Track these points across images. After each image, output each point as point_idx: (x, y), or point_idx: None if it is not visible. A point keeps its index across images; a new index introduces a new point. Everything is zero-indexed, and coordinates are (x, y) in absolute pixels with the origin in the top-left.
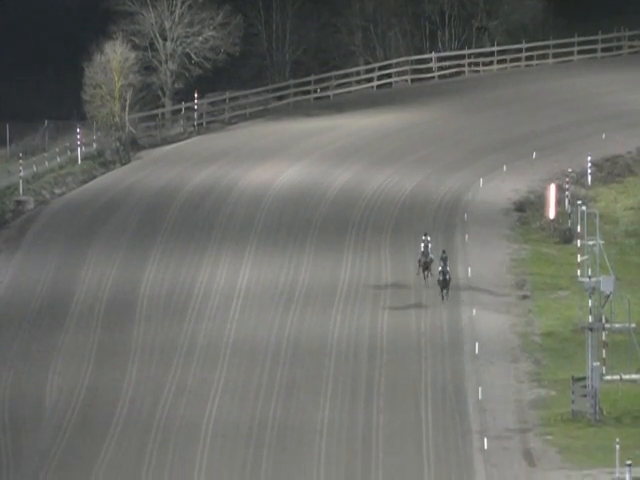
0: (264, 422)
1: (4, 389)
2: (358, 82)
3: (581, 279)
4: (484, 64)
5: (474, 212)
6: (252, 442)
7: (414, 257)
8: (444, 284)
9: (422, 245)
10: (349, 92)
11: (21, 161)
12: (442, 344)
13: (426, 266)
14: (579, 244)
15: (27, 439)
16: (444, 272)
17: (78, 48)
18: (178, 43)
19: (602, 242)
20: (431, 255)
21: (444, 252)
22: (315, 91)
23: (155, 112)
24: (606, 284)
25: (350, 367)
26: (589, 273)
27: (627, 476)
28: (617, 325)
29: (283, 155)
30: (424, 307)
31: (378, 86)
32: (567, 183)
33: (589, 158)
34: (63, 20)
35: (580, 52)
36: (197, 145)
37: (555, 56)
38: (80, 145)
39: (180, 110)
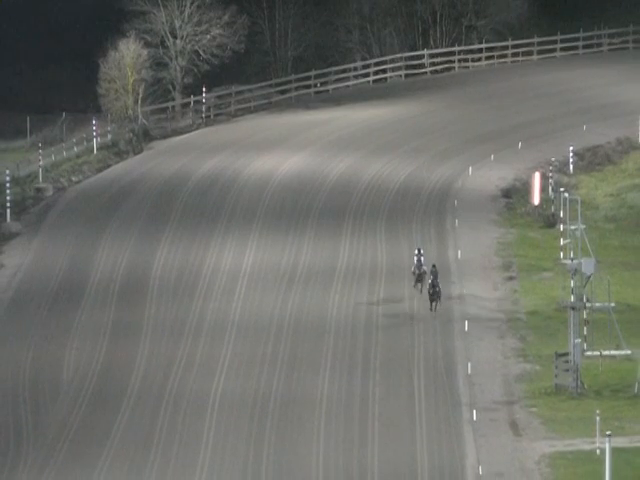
0: (267, 394)
1: (24, 365)
2: (355, 77)
3: (564, 261)
4: (473, 60)
5: (464, 198)
6: (256, 413)
7: (408, 241)
8: (434, 296)
9: (415, 259)
10: (347, 86)
11: (40, 151)
12: (433, 322)
13: (419, 278)
14: (562, 228)
15: (45, 412)
16: (434, 285)
17: (94, 45)
18: (187, 41)
19: (583, 227)
20: (424, 267)
21: (434, 266)
22: (315, 85)
23: (166, 105)
24: (587, 266)
25: (348, 343)
26: (571, 255)
27: (607, 446)
28: (597, 304)
29: (285, 146)
30: (417, 288)
31: (374, 81)
32: (550, 171)
33: (571, 148)
34: (79, 19)
35: (562, 49)
36: (205, 136)
37: (539, 53)
38: (96, 136)
39: (189, 103)
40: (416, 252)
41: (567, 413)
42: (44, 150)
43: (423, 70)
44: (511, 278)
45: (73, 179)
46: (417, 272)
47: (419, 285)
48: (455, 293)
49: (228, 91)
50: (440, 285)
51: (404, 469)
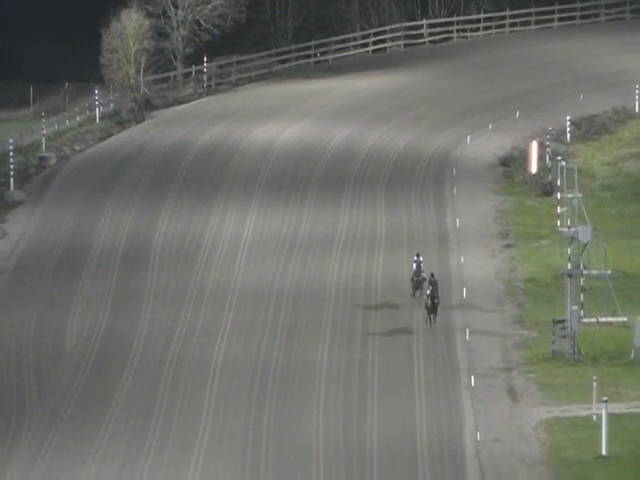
0: (268, 361)
1: (28, 331)
2: (355, 47)
3: (561, 229)
4: (471, 30)
5: (462, 167)
6: (257, 379)
7: (407, 210)
8: (432, 309)
9: (414, 265)
10: (346, 56)
11: (44, 120)
12: None
13: (418, 285)
14: (559, 197)
15: (49, 377)
16: (432, 297)
17: (96, 15)
18: (189, 11)
19: (580, 195)
20: (423, 274)
21: (433, 276)
22: (315, 55)
23: (167, 75)
24: (584, 234)
25: (347, 310)
26: (568, 223)
27: (603, 412)
28: (594, 271)
29: (285, 115)
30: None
31: (373, 51)
32: (548, 140)
33: (568, 117)
34: None
35: (560, 19)
36: (206, 105)
37: (537, 23)
38: (98, 105)
39: (190, 73)
40: (415, 258)
41: (564, 379)
42: (47, 119)
43: (422, 40)
44: (509, 246)
45: (76, 148)
46: (415, 279)
47: (418, 293)
48: (454, 260)
49: (229, 61)
50: (439, 297)
51: (403, 434)
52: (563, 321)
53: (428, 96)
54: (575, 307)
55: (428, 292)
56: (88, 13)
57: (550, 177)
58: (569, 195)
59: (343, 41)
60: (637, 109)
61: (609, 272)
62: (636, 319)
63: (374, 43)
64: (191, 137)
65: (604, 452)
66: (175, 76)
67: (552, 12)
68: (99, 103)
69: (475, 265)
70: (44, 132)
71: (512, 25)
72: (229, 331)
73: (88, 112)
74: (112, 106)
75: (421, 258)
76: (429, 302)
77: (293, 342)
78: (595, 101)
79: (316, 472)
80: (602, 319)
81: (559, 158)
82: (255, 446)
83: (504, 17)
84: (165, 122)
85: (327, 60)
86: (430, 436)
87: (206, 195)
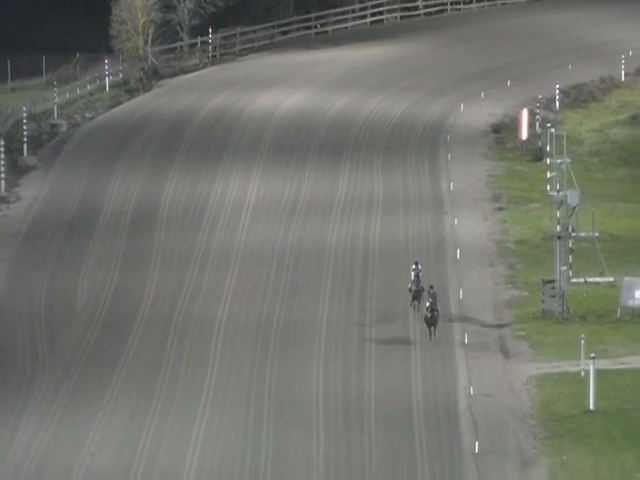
0: (270, 319)
1: (40, 291)
2: (353, 19)
3: (550, 193)
4: (465, 3)
5: (456, 133)
6: (259, 337)
7: (403, 174)
8: (432, 321)
9: (412, 274)
10: (345, 27)
11: (56, 89)
12: (427, 250)
13: (416, 295)
14: (548, 162)
15: (60, 335)
16: (432, 309)
17: None
18: None
19: (569, 160)
20: (422, 284)
21: (432, 287)
22: (315, 27)
23: (174, 45)
24: (572, 197)
25: (346, 271)
26: (557, 188)
27: (591, 368)
28: (582, 234)
29: (287, 83)
30: (411, 217)
31: (371, 22)
32: (538, 108)
33: (557, 86)
34: None
35: None
36: (211, 74)
37: None
38: (108, 75)
39: (196, 44)
40: (413, 266)
41: (553, 337)
42: (59, 88)
43: (417, 12)
44: (500, 209)
45: (86, 115)
46: (414, 289)
47: (415, 303)
48: (448, 222)
49: (233, 32)
50: (439, 309)
51: (399, 389)
52: (552, 281)
53: (423, 66)
54: (564, 268)
55: (427, 304)
56: None
57: (540, 143)
58: (558, 160)
59: (342, 13)
60: (623, 78)
61: (596, 234)
62: (622, 279)
63: (372, 15)
64: (197, 105)
65: (592, 407)
66: (181, 47)
67: None
68: (109, 72)
69: (468, 227)
70: (56, 100)
71: None
72: (233, 290)
73: (98, 81)
74: (121, 75)
75: (420, 267)
76: (428, 315)
77: (294, 300)
78: (583, 71)
79: (316, 425)
80: (590, 279)
81: (548, 125)
82: (258, 400)
83: None
84: (172, 91)
85: (327, 31)
86: (425, 391)
87: (211, 160)
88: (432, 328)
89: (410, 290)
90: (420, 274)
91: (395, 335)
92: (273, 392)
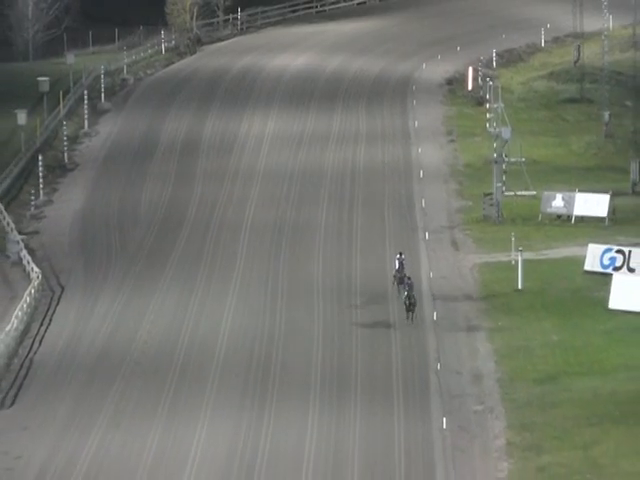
0: (283, 221)
1: (114, 202)
2: (345, 0)
3: (489, 129)
4: None
5: (419, 85)
6: (275, 235)
7: (380, 115)
8: (410, 308)
9: (397, 263)
10: (338, 7)
11: (125, 52)
12: (399, 170)
13: (401, 281)
14: (487, 106)
15: (128, 235)
16: (409, 297)
17: None
18: None
19: (502, 105)
20: (405, 270)
21: (410, 278)
22: (316, 7)
23: (212, 20)
24: (505, 132)
25: (339, 186)
26: (494, 125)
27: (519, 258)
28: (512, 159)
29: (295, 49)
30: (386, 146)
31: (357, 3)
32: (480, 66)
33: (494, 50)
34: None
35: None
36: (239, 42)
37: None
38: (163, 42)
39: (229, 19)
40: (397, 256)
41: (491, 235)
42: (127, 52)
43: None
44: (452, 141)
45: (148, 72)
46: (398, 275)
47: (400, 287)
48: (414, 150)
49: (255, 11)
50: (415, 297)
51: (377, 271)
52: (490, 194)
53: (396, 35)
54: (499, 184)
55: (405, 293)
56: None
57: (481, 92)
58: (495, 105)
59: None
60: (543, 44)
61: (523, 160)
62: (542, 193)
63: None
64: (229, 64)
65: (519, 286)
66: (217, 21)
67: None
68: (164, 40)
69: (428, 154)
70: (125, 61)
71: None
72: (256, 200)
73: (156, 47)
74: (173, 42)
75: (403, 256)
76: (407, 302)
77: (301, 208)
78: (513, 39)
79: (317, 300)
80: (518, 193)
81: (488, 79)
82: (274, 281)
83: None
84: (210, 54)
85: (325, 10)
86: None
87: (239, 105)
88: (410, 313)
89: (395, 277)
90: (403, 262)
91: (374, 232)
92: (285, 275)
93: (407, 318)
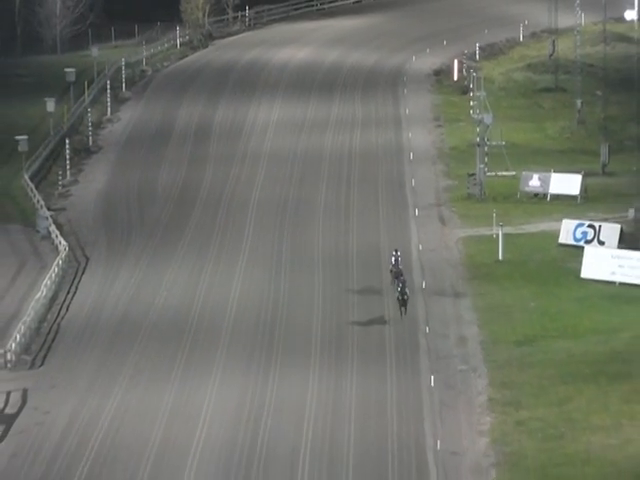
0: (286, 199)
1: (133, 182)
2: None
3: (473, 115)
4: None
5: (410, 76)
6: (279, 211)
7: (375, 103)
8: (402, 303)
9: (392, 259)
10: (337, 6)
11: (144, 46)
12: (390, 153)
13: (396, 275)
14: (471, 95)
15: (147, 211)
16: (402, 293)
17: None
18: None
19: (484, 94)
20: (400, 266)
21: (402, 275)
22: (316, 5)
23: (223, 17)
24: (487, 118)
25: (337, 167)
26: (477, 112)
27: (500, 232)
28: (494, 143)
29: (297, 43)
30: (380, 131)
31: (354, 2)
32: (464, 59)
33: (477, 44)
34: None
35: None
36: (248, 37)
37: None
38: (179, 37)
39: (238, 16)
40: (393, 253)
41: (475, 211)
42: (146, 45)
43: None
44: (439, 126)
45: (165, 64)
46: (394, 270)
47: (396, 282)
48: (405, 135)
49: (262, 8)
50: (408, 293)
51: (371, 243)
52: (474, 174)
53: (388, 31)
54: (482, 165)
55: (399, 289)
56: None
57: (466, 82)
58: (478, 94)
59: None
60: (522, 39)
61: (503, 143)
62: (521, 173)
63: None
64: (238, 57)
65: (500, 258)
66: (228, 18)
67: None
68: (179, 35)
69: (418, 138)
70: (144, 54)
71: None
72: (262, 180)
73: (172, 41)
74: (187, 37)
75: (399, 253)
76: (400, 297)
77: (303, 187)
78: (495, 34)
79: (317, 269)
80: (499, 173)
81: (471, 70)
82: (278, 253)
83: None
84: (221, 48)
85: (324, 8)
86: (389, 246)
87: (247, 93)
88: (403, 308)
89: (391, 272)
90: (399, 258)
91: (369, 208)
92: (288, 248)
93: (400, 313)
